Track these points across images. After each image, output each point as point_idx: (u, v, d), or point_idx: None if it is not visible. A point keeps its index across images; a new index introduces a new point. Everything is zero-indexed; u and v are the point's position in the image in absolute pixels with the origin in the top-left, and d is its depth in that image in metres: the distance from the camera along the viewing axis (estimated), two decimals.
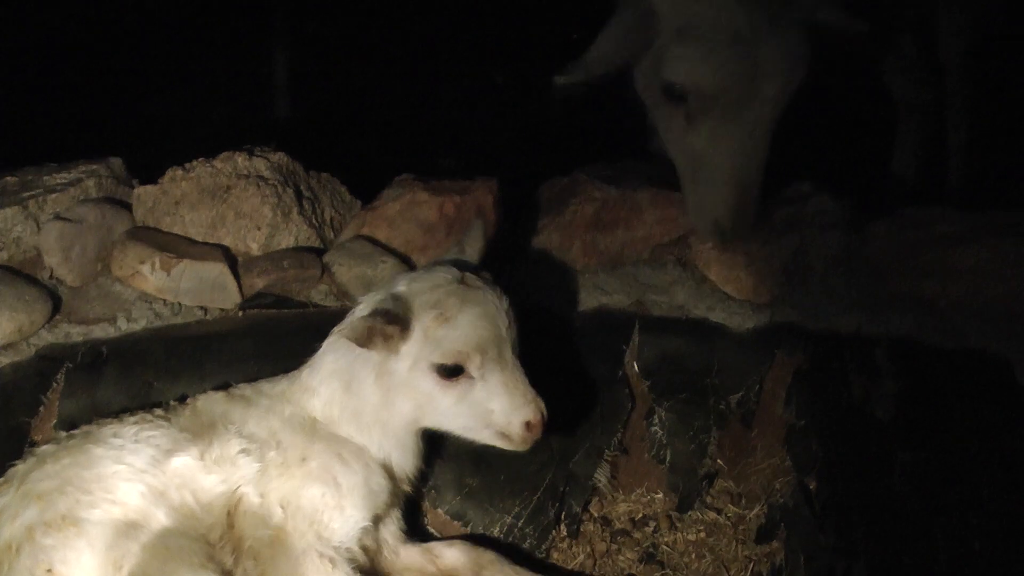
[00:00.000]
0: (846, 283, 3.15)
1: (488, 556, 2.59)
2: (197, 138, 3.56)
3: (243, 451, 2.36)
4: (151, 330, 2.92)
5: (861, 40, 3.43)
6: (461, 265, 2.45)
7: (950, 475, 2.73)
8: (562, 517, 2.87)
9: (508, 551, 2.69)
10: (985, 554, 2.59)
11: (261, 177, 3.18)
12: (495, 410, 2.33)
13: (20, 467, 2.33)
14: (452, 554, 2.60)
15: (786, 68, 3.05)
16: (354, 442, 2.46)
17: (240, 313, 2.99)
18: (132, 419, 2.40)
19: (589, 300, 3.13)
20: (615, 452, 2.96)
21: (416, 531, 2.71)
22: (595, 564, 2.82)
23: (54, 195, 3.18)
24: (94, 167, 3.34)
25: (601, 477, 2.92)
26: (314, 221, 3.23)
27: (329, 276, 3.06)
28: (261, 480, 2.35)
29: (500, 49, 6.26)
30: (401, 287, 2.39)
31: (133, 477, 2.24)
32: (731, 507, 2.93)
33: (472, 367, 2.31)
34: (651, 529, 2.89)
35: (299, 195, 3.23)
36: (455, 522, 2.82)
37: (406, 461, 2.54)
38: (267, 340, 2.86)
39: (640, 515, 2.92)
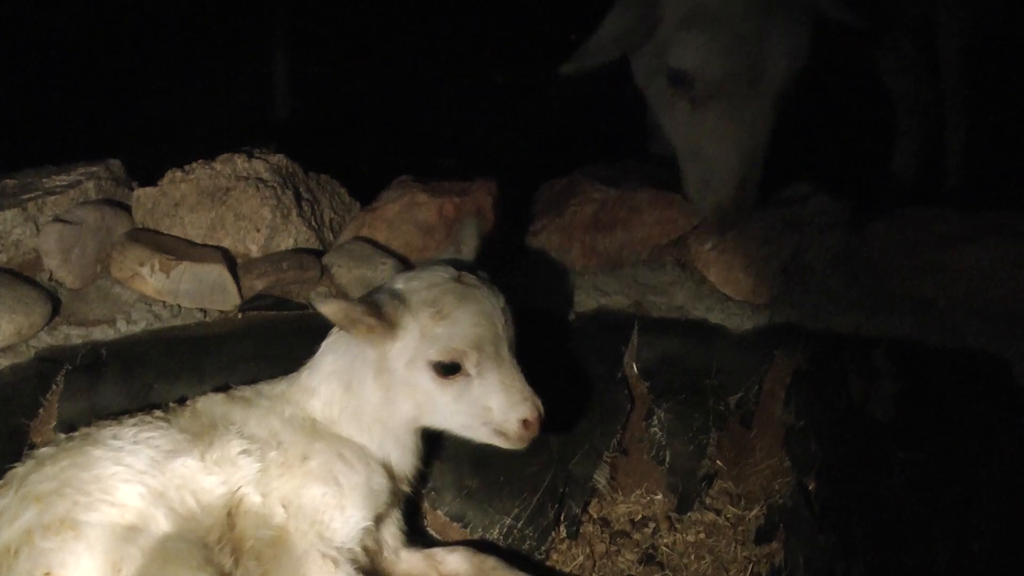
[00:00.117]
0: (845, 284, 3.14)
1: (490, 562, 2.60)
2: (196, 140, 3.55)
3: (244, 452, 2.36)
4: (151, 332, 2.92)
5: (861, 35, 3.45)
6: (458, 264, 2.46)
7: (949, 475, 2.73)
8: (561, 518, 2.87)
9: (509, 556, 2.70)
10: (984, 554, 2.60)
11: (260, 179, 3.18)
12: (492, 407, 2.34)
13: (19, 469, 2.33)
14: (454, 560, 2.60)
15: (788, 53, 3.09)
16: (355, 442, 2.47)
17: (240, 315, 2.99)
18: (131, 421, 2.41)
19: (588, 301, 3.13)
20: (614, 453, 2.96)
21: (416, 533, 2.71)
22: (595, 565, 2.83)
23: (53, 197, 3.18)
24: (93, 169, 3.34)
25: (600, 478, 2.92)
26: (313, 223, 3.23)
27: (328, 278, 3.06)
28: (262, 480, 2.36)
29: (499, 50, 6.27)
30: (399, 285, 2.40)
31: (132, 478, 2.24)
32: (730, 508, 2.93)
33: (469, 365, 2.32)
34: (650, 530, 2.89)
35: (298, 197, 3.23)
36: (455, 523, 2.82)
37: (406, 461, 2.55)
38: (267, 342, 2.87)
39: (639, 516, 2.93)
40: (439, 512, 2.83)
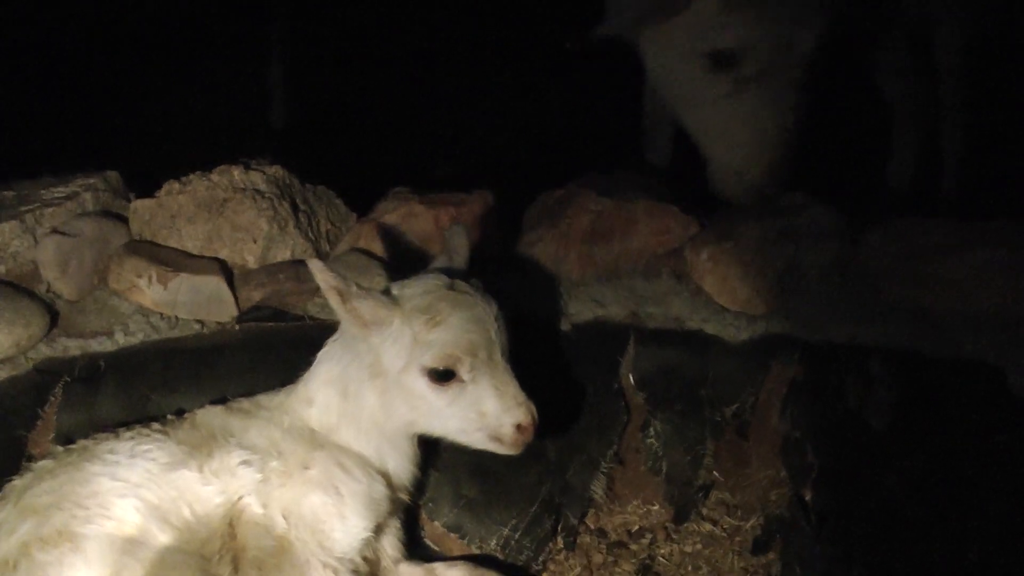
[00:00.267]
0: (841, 293, 3.15)
1: None
2: (193, 151, 3.56)
3: (244, 462, 2.37)
4: (148, 343, 2.92)
5: (860, 39, 3.47)
6: (451, 273, 2.47)
7: (946, 484, 2.73)
8: (558, 529, 2.87)
9: (509, 571, 2.70)
10: (982, 562, 2.59)
11: (257, 190, 3.19)
12: (487, 413, 2.34)
13: (17, 483, 2.34)
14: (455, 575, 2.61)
15: (813, 26, 3.10)
16: (353, 450, 2.48)
17: (237, 326, 2.99)
18: (128, 435, 2.41)
19: (585, 311, 3.13)
20: (611, 464, 2.96)
21: (413, 543, 2.71)
22: None
23: (51, 209, 3.18)
24: (91, 180, 3.34)
25: (597, 489, 2.93)
26: (310, 234, 3.24)
27: None
28: (263, 490, 2.36)
29: (497, 59, 6.27)
30: (393, 292, 2.41)
31: (128, 493, 2.24)
32: (727, 518, 2.93)
33: (463, 371, 2.33)
34: (648, 541, 2.89)
35: (295, 208, 3.24)
36: (452, 534, 2.82)
37: (403, 468, 2.55)
38: (264, 353, 2.87)
39: (636, 527, 2.93)
40: (436, 523, 2.83)
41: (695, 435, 2.96)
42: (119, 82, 5.81)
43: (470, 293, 2.38)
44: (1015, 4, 4.38)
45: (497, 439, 2.37)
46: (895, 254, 3.20)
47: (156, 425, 2.47)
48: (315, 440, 2.46)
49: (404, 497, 2.60)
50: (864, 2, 3.36)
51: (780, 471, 2.92)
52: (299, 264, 3.11)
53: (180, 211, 3.15)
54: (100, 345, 2.91)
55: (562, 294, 3.18)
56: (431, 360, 2.32)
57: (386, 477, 2.51)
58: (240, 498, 2.34)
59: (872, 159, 4.69)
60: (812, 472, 2.85)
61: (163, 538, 2.22)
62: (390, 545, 2.58)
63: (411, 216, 3.20)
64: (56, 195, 3.25)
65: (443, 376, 2.34)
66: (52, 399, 2.77)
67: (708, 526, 2.93)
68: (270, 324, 2.99)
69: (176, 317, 2.99)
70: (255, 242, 3.14)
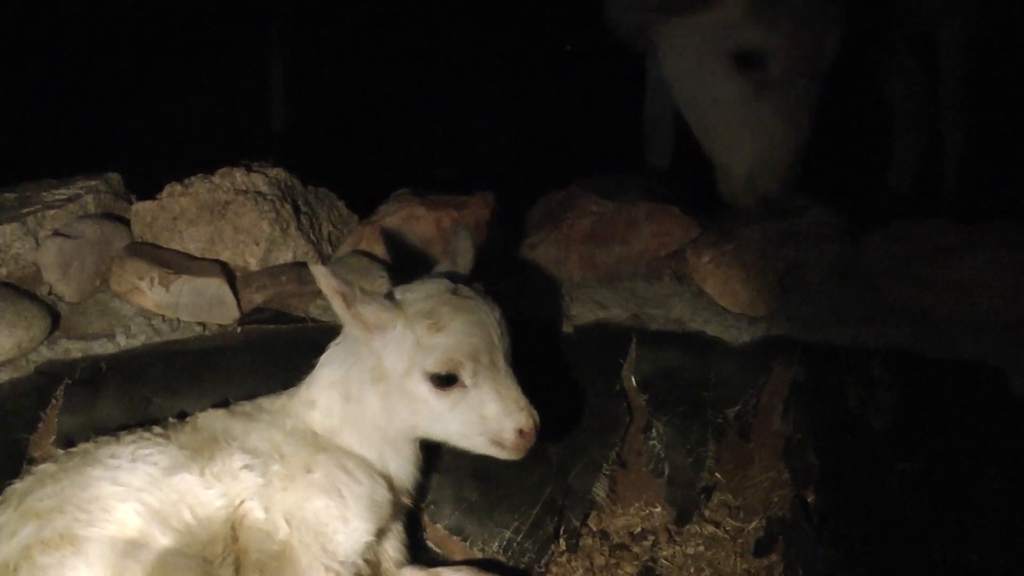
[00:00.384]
0: (842, 295, 3.15)
1: None
2: (195, 153, 3.56)
3: (246, 466, 2.36)
4: (150, 346, 2.93)
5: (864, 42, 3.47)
6: (454, 277, 2.47)
7: (947, 485, 2.73)
8: (561, 531, 2.87)
9: (512, 574, 2.71)
10: (983, 563, 2.60)
11: (259, 192, 3.19)
12: (488, 417, 2.33)
13: (18, 486, 2.33)
14: None
15: (837, 30, 3.10)
16: (356, 453, 2.47)
17: (239, 328, 2.99)
18: (130, 438, 2.40)
19: (586, 314, 3.14)
20: (613, 466, 2.96)
21: (415, 546, 2.71)
22: None
23: (53, 211, 3.19)
24: (92, 183, 3.35)
25: (600, 491, 2.92)
26: (312, 236, 3.24)
27: None
28: (265, 494, 2.35)
29: (497, 61, 6.28)
30: (396, 297, 2.41)
31: (129, 497, 2.24)
32: (729, 520, 2.93)
33: (465, 375, 2.33)
34: (650, 543, 2.89)
35: (297, 210, 3.24)
36: (454, 537, 2.82)
37: (406, 471, 2.55)
38: (266, 355, 2.87)
39: (639, 529, 2.93)
40: (438, 525, 2.83)
41: (697, 437, 2.96)
42: (120, 84, 5.82)
43: (473, 297, 2.38)
44: (1015, 5, 4.39)
45: (499, 444, 2.36)
46: (896, 255, 3.21)
47: (157, 428, 2.46)
48: (318, 443, 2.46)
49: (406, 500, 2.59)
50: (869, 3, 3.36)
51: (782, 473, 2.91)
52: (301, 266, 3.12)
53: (182, 213, 3.15)
54: (101, 347, 2.91)
55: (563, 296, 3.19)
56: (433, 364, 2.32)
57: (388, 480, 2.50)
58: (242, 502, 2.33)
59: (873, 160, 4.69)
60: (814, 473, 2.85)
61: (165, 541, 2.22)
62: (393, 548, 2.58)
63: (413, 218, 3.21)
64: (58, 197, 3.26)
65: (445, 381, 2.33)
66: (53, 401, 2.76)
67: (710, 528, 2.92)
68: (272, 326, 2.99)
69: (178, 319, 2.99)
70: (257, 244, 3.14)
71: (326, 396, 2.49)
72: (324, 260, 3.23)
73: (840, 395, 2.92)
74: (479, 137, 5.63)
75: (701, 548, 2.88)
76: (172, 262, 3.03)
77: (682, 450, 2.96)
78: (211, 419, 2.49)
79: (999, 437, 2.80)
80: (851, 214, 3.33)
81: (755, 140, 3.17)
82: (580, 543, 2.89)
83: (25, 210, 3.18)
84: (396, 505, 2.53)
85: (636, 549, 2.88)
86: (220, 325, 3.01)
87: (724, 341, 3.06)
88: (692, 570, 2.82)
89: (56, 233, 3.08)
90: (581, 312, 3.14)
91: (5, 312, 2.82)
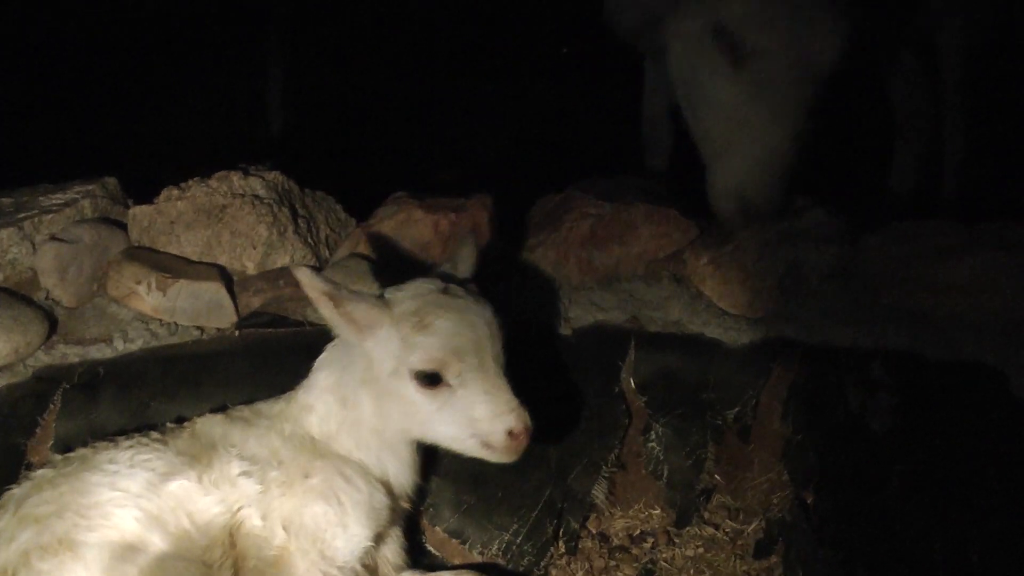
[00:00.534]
0: (841, 297, 3.15)
1: None
2: (192, 157, 3.56)
3: (244, 473, 2.36)
4: (148, 350, 2.92)
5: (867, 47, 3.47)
6: (447, 278, 2.45)
7: (947, 487, 2.73)
8: (560, 534, 2.87)
9: None
10: (983, 565, 2.60)
11: (256, 196, 3.19)
12: (477, 418, 2.31)
13: (16, 491, 2.32)
14: None
15: (837, 43, 3.10)
16: (354, 458, 2.47)
17: (237, 332, 2.99)
18: (128, 443, 2.40)
19: (585, 316, 3.13)
20: (612, 468, 2.96)
21: (415, 550, 2.71)
22: None
23: (49, 216, 3.18)
24: (89, 187, 3.34)
25: (599, 493, 2.92)
26: (309, 240, 3.23)
27: None
28: (263, 500, 2.35)
29: (496, 63, 6.29)
30: (386, 296, 2.41)
31: (128, 503, 2.24)
32: (729, 522, 2.93)
33: (450, 375, 2.30)
34: (649, 545, 2.88)
35: (294, 214, 3.23)
36: (453, 539, 2.82)
37: (404, 476, 2.54)
38: (264, 359, 2.87)
39: (638, 531, 2.92)
40: (438, 528, 2.83)
41: (696, 439, 2.96)
42: (117, 88, 5.82)
43: (462, 297, 2.36)
44: (1016, 5, 4.39)
45: (489, 446, 2.33)
46: (896, 257, 3.20)
47: (155, 434, 2.46)
48: (316, 449, 2.45)
49: (405, 505, 2.59)
50: (874, 9, 3.35)
51: (782, 474, 2.91)
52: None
53: (179, 217, 3.15)
54: (99, 352, 2.91)
55: (562, 298, 3.18)
56: (417, 362, 2.30)
57: (387, 486, 2.50)
58: (239, 509, 2.33)
59: (873, 161, 4.69)
60: (813, 475, 2.85)
61: (163, 546, 2.21)
62: (391, 553, 2.57)
63: (410, 221, 3.20)
64: (54, 202, 3.25)
65: (431, 380, 2.31)
66: (51, 407, 2.76)
67: (710, 530, 2.92)
68: (270, 330, 2.99)
69: (175, 324, 2.99)
70: (254, 248, 3.14)
71: (323, 400, 2.49)
72: (322, 264, 3.23)
73: (840, 396, 2.92)
74: (477, 140, 5.63)
75: (700, 550, 2.88)
76: (169, 266, 3.03)
77: (681, 452, 2.96)
78: (209, 424, 2.49)
79: (999, 438, 2.79)
80: (851, 215, 3.33)
81: (731, 135, 3.19)
82: (579, 545, 2.89)
83: (22, 215, 3.18)
84: (394, 510, 2.52)
85: (635, 551, 2.87)
86: (218, 329, 3.00)
87: (723, 343, 3.05)
88: (691, 572, 2.82)
89: (53, 238, 3.07)
90: (580, 314, 3.14)
91: (2, 317, 2.82)
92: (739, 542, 2.88)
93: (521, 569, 2.80)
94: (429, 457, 2.65)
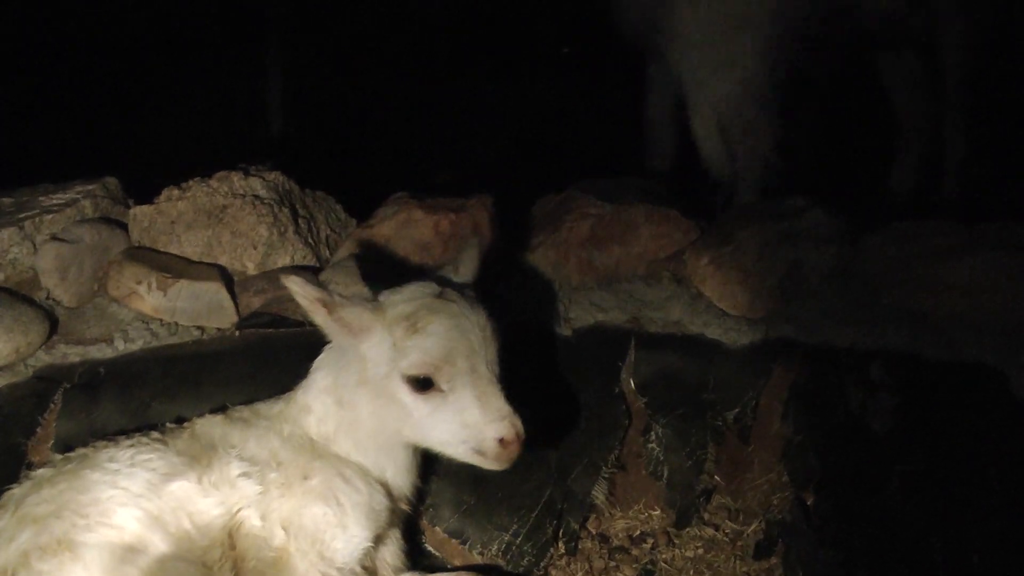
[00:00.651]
0: (841, 297, 3.15)
1: None
2: (192, 157, 3.56)
3: (243, 474, 2.36)
4: (148, 350, 2.92)
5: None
6: (444, 282, 2.44)
7: (947, 488, 2.73)
8: (560, 534, 2.87)
9: None
10: (983, 565, 2.59)
11: (257, 196, 3.19)
12: (469, 424, 2.29)
13: (16, 491, 2.33)
14: None
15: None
16: (353, 460, 2.47)
17: (237, 333, 2.99)
18: (128, 443, 2.40)
19: (585, 316, 3.13)
20: (612, 469, 2.96)
21: (414, 551, 2.71)
22: None
23: (50, 216, 3.18)
24: (90, 187, 3.34)
25: (599, 494, 2.92)
26: (310, 240, 3.24)
27: None
28: (262, 502, 2.35)
29: (497, 64, 6.29)
30: (380, 299, 2.40)
31: (128, 502, 2.24)
32: (729, 523, 2.93)
33: (441, 379, 2.29)
34: (649, 546, 2.88)
35: (295, 214, 3.24)
36: (453, 540, 2.81)
37: (402, 478, 2.54)
38: (264, 359, 2.87)
39: (638, 532, 2.92)
40: (438, 528, 2.83)
41: (696, 440, 2.96)
42: (118, 88, 5.82)
43: (456, 301, 2.34)
44: (1016, 7, 4.39)
45: (480, 452, 2.31)
46: (896, 257, 3.20)
47: (155, 434, 2.46)
48: (315, 450, 2.45)
49: (404, 507, 2.59)
50: (873, 8, 3.37)
51: (782, 475, 2.91)
52: (299, 270, 3.11)
53: (179, 217, 3.15)
54: (100, 352, 2.91)
55: (562, 299, 3.18)
56: (408, 367, 2.29)
57: (386, 487, 2.49)
58: (239, 510, 2.33)
59: (873, 161, 4.69)
60: (814, 476, 2.85)
61: (163, 547, 2.21)
62: (391, 555, 2.57)
63: (411, 221, 3.20)
64: (55, 202, 3.25)
65: (423, 384, 2.30)
66: (51, 406, 2.77)
67: (710, 531, 2.92)
68: (270, 330, 2.99)
69: (176, 324, 2.99)
70: (255, 248, 3.14)
71: (321, 402, 2.49)
72: (322, 264, 3.23)
73: (840, 397, 2.92)
74: (477, 140, 5.63)
75: (700, 551, 2.88)
76: (170, 266, 3.03)
77: (681, 453, 2.95)
78: (209, 425, 2.49)
79: (999, 439, 2.79)
80: (851, 215, 3.33)
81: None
82: (579, 546, 2.89)
83: (23, 215, 3.18)
84: (394, 512, 2.52)
85: (635, 552, 2.87)
86: (218, 329, 3.01)
87: (723, 343, 3.05)
88: (691, 573, 2.82)
89: (54, 238, 3.08)
90: (580, 315, 3.14)
91: (3, 317, 2.82)
92: (739, 543, 2.88)
93: (521, 570, 2.80)
94: (429, 458, 2.64)
